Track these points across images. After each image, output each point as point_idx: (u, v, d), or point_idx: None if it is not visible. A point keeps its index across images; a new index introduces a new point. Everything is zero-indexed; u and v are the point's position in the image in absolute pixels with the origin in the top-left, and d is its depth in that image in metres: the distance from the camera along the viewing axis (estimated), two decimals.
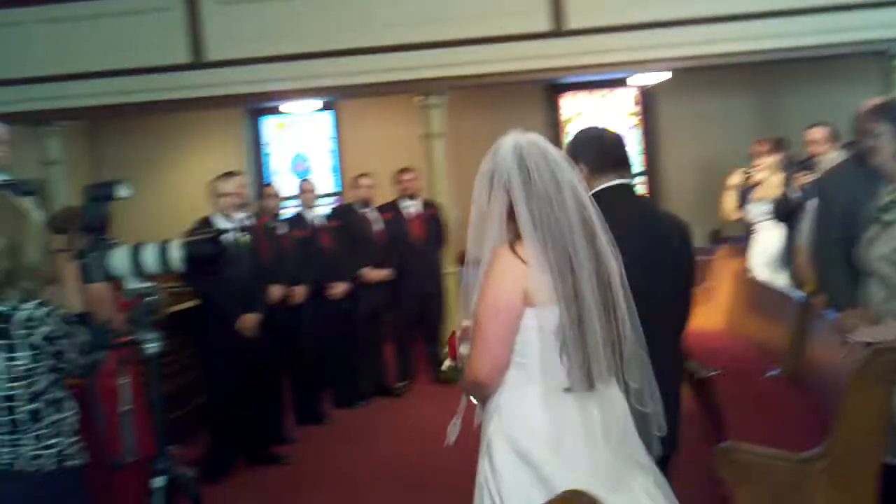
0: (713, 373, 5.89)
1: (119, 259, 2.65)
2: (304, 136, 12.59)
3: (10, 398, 2.45)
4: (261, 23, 8.69)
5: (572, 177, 2.44)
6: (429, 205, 8.36)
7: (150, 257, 2.66)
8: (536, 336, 2.37)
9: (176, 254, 2.66)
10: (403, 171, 8.28)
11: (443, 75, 8.50)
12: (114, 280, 2.70)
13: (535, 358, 2.38)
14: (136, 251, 2.66)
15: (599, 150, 3.02)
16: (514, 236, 2.41)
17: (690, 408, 6.83)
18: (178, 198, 11.06)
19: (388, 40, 8.46)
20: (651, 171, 11.87)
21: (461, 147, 10.27)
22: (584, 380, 2.33)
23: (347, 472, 5.93)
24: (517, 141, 2.55)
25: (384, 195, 8.39)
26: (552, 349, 2.35)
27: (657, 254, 2.88)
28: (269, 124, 12.66)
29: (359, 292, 7.66)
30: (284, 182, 11.03)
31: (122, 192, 2.73)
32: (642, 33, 8.10)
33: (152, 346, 2.65)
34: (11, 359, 2.45)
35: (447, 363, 2.86)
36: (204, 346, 6.23)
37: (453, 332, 2.64)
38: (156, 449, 2.64)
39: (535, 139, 2.55)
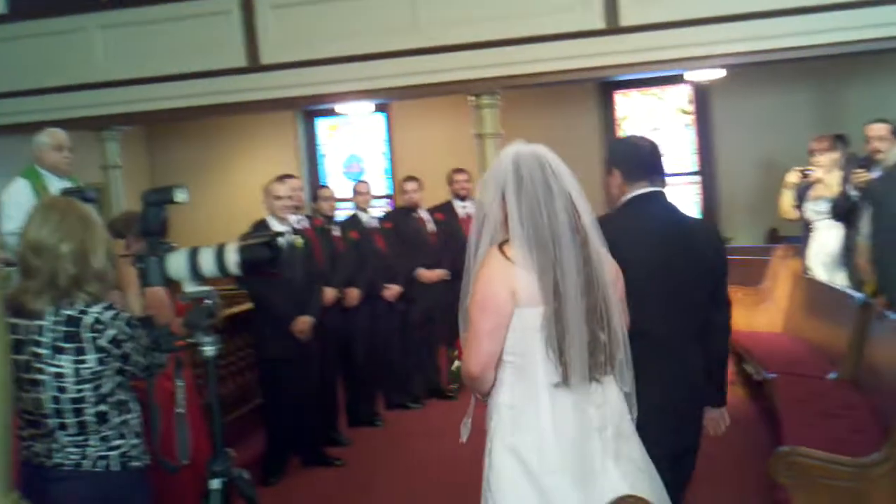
0: (770, 375, 5.80)
1: (177, 263, 2.69)
2: (356, 137, 12.68)
3: (78, 400, 2.50)
4: (314, 26, 8.76)
5: (571, 187, 2.60)
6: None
7: (207, 261, 2.69)
8: (524, 335, 2.52)
9: (232, 257, 2.69)
10: (456, 171, 8.28)
11: (495, 75, 8.47)
12: (172, 283, 2.74)
13: (524, 356, 2.53)
14: (193, 255, 2.70)
15: (633, 160, 3.18)
16: (506, 239, 2.58)
17: (747, 411, 6.79)
18: (234, 200, 11.23)
19: (441, 41, 8.46)
20: (705, 170, 11.72)
21: None
22: (568, 375, 2.47)
23: (400, 474, 5.96)
24: (518, 151, 2.69)
25: (438, 196, 8.41)
26: (539, 347, 2.50)
27: (680, 257, 3.03)
28: (322, 126, 12.77)
29: (413, 294, 7.68)
30: (338, 184, 11.09)
31: (180, 196, 2.77)
32: (697, 29, 7.98)
33: (209, 349, 2.68)
34: (80, 361, 2.50)
35: (456, 363, 3.04)
36: (259, 349, 6.29)
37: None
38: (212, 451, 2.67)
39: (536, 150, 2.69)
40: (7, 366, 2.18)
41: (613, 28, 8.22)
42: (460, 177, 8.23)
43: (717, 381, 3.36)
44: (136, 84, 9.10)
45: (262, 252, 2.72)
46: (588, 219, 2.61)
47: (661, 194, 3.18)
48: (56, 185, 5.57)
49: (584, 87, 11.35)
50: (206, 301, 2.69)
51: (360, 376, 7.19)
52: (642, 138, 3.34)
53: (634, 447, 2.64)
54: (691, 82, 10.97)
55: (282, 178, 6.33)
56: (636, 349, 2.67)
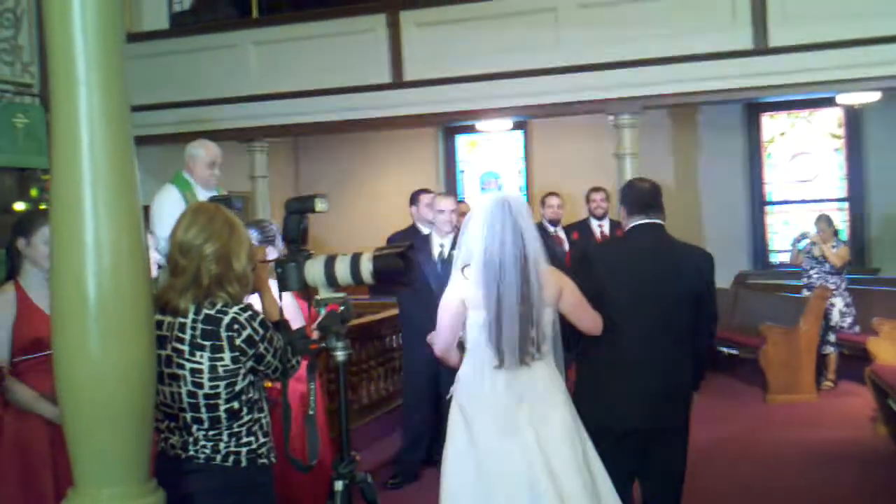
0: None
1: (314, 269, 2.76)
2: (494, 154, 12.75)
3: (212, 396, 2.60)
4: (457, 44, 8.88)
5: (524, 224, 3.46)
6: (618, 225, 8.25)
7: (342, 269, 2.76)
8: (474, 330, 3.48)
9: (366, 266, 2.75)
10: (594, 190, 8.21)
11: (637, 95, 8.38)
12: (308, 289, 2.83)
13: (475, 345, 3.50)
14: (329, 262, 2.77)
15: (633, 198, 3.99)
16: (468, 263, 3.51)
17: (888, 448, 6.47)
18: (373, 211, 11.48)
19: (582, 59, 8.44)
20: (854, 196, 11.24)
21: (652, 167, 10.10)
22: (500, 362, 3.41)
23: None
24: (490, 198, 3.54)
25: (572, 215, 8.37)
26: (483, 339, 3.45)
27: (667, 274, 3.80)
28: (462, 142, 12.91)
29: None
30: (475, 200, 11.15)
31: (320, 205, 2.84)
32: (850, 51, 7.67)
33: (341, 354, 2.74)
34: (217, 358, 2.59)
35: None
36: (404, 356, 6.43)
37: None
38: (338, 453, 2.73)
39: (506, 196, 3.53)
40: (154, 361, 2.30)
41: (762, 48, 8.00)
42: (597, 195, 8.15)
43: (696, 379, 4.05)
44: (285, 98, 9.43)
45: (395, 262, 2.76)
46: (532, 247, 3.45)
47: (656, 225, 3.95)
48: (202, 195, 5.75)
49: (729, 107, 11.08)
50: (340, 307, 2.75)
51: None
52: (642, 180, 4.17)
53: (558, 417, 3.46)
54: (842, 105, 10.54)
55: (445, 193, 6.35)
56: (619, 345, 3.70)
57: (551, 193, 8.07)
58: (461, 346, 3.63)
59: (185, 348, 2.60)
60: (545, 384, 3.50)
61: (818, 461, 6.30)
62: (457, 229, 5.72)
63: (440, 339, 3.61)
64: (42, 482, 3.49)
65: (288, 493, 4.30)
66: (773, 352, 8.34)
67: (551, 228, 7.86)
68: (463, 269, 3.52)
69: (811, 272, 8.84)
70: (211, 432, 2.63)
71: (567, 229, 8.08)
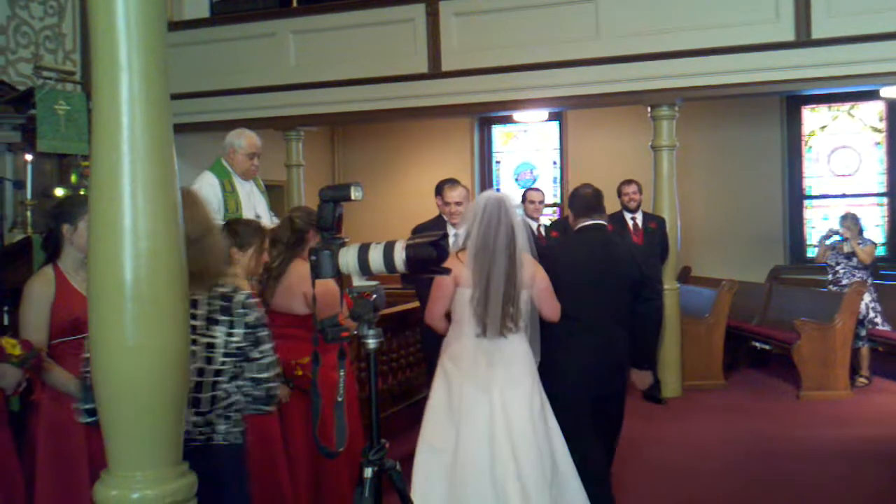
0: None
1: (347, 257, 2.78)
2: (529, 145, 12.72)
3: (219, 372, 2.68)
4: (495, 34, 8.86)
5: (514, 221, 4.12)
6: (651, 217, 8.21)
7: (375, 257, 2.77)
8: (462, 304, 4.16)
9: (399, 255, 2.76)
10: (625, 183, 8.19)
11: (675, 86, 8.30)
12: (342, 277, 2.84)
13: (461, 317, 4.19)
14: (363, 251, 2.78)
15: (578, 203, 4.80)
16: (464, 248, 4.19)
17: None
18: (409, 200, 11.50)
19: (621, 50, 8.38)
20: (893, 191, 11.09)
21: (689, 160, 10.02)
22: (484, 331, 4.11)
23: None
24: (488, 196, 4.21)
25: (609, 206, 8.32)
26: (468, 312, 4.14)
27: (609, 269, 4.57)
28: (498, 133, 12.88)
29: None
30: (511, 190, 11.15)
31: (355, 194, 2.85)
32: (893, 43, 7.55)
33: (372, 342, 2.75)
34: (231, 334, 2.68)
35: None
36: (425, 346, 6.41)
37: None
38: (368, 441, 2.75)
39: (501, 196, 4.22)
40: (188, 346, 2.33)
41: (805, 41, 7.89)
42: (629, 188, 8.12)
43: (642, 351, 4.81)
44: (323, 87, 9.47)
45: (427, 251, 2.77)
46: (521, 240, 4.12)
47: (600, 225, 4.72)
48: (241, 183, 5.80)
49: (768, 100, 10.97)
50: (373, 295, 2.76)
51: None
52: (586, 186, 4.89)
53: (523, 383, 4.14)
54: (885, 99, 10.38)
55: (451, 182, 6.09)
56: (573, 329, 4.40)
57: (586, 185, 7.98)
58: (448, 317, 4.31)
59: (200, 323, 2.67)
60: (517, 354, 4.19)
61: (852, 459, 6.25)
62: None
63: (432, 310, 4.30)
64: (78, 464, 3.55)
65: (326, 478, 4.35)
66: (807, 348, 8.26)
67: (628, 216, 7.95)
68: (458, 252, 4.13)
69: (837, 268, 8.85)
70: (207, 412, 2.72)
71: None
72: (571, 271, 4.50)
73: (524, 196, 7.99)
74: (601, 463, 4.58)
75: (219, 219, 5.38)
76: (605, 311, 4.54)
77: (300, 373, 4.33)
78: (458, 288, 4.18)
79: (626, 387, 4.75)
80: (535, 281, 4.23)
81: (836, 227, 9.03)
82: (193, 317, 2.65)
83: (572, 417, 4.30)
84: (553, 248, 4.84)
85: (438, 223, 6.16)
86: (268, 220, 5.78)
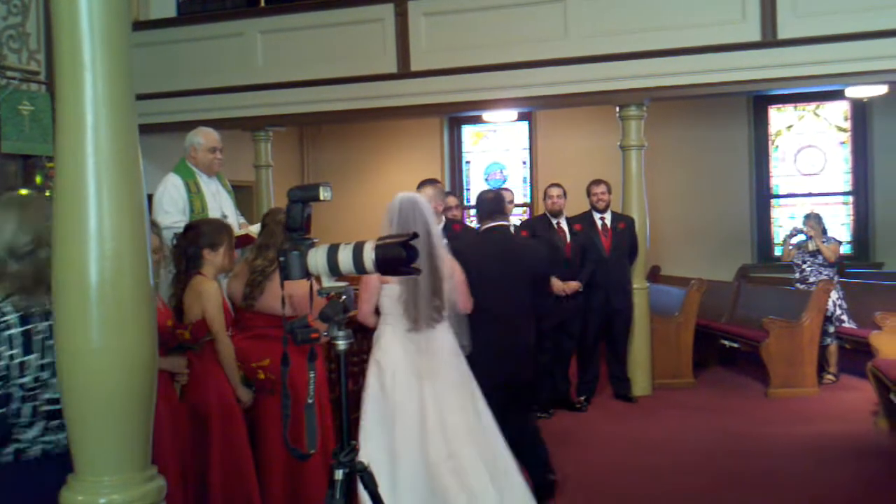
0: None
1: (317, 258, 2.76)
2: (499, 145, 12.74)
3: (33, 388, 2.63)
4: (464, 34, 8.86)
5: (430, 218, 4.44)
6: (620, 217, 8.25)
7: (345, 258, 2.75)
8: (389, 301, 4.45)
9: (369, 255, 2.75)
10: (594, 183, 8.22)
11: (644, 86, 8.35)
12: (311, 278, 2.82)
13: (389, 311, 4.49)
14: (333, 251, 2.76)
15: (482, 206, 5.30)
16: None
17: (889, 442, 6.49)
18: (379, 201, 11.39)
19: (589, 51, 8.41)
20: (859, 190, 11.24)
21: (658, 159, 10.09)
22: (413, 325, 4.43)
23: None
24: (402, 197, 4.49)
25: (578, 206, 8.36)
26: (397, 308, 4.45)
27: (510, 265, 5.01)
28: (468, 133, 12.90)
29: (546, 304, 7.64)
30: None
31: (324, 194, 2.83)
32: (858, 44, 7.64)
33: (342, 343, 2.74)
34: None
35: None
36: None
37: None
38: (338, 442, 2.74)
39: (414, 196, 4.55)
40: (156, 348, 2.30)
41: (771, 41, 7.97)
42: (597, 189, 8.16)
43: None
44: (291, 87, 9.42)
45: (397, 251, 2.76)
46: (436, 236, 4.46)
47: (503, 226, 5.23)
48: (206, 181, 5.79)
49: (736, 100, 11.07)
50: (342, 296, 2.75)
51: None
52: (489, 191, 5.53)
53: (453, 369, 4.48)
54: (850, 98, 10.51)
55: (425, 182, 6.32)
56: (484, 320, 4.73)
57: (554, 184, 8.06)
58: (377, 312, 4.57)
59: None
60: (444, 343, 4.52)
61: (819, 455, 6.31)
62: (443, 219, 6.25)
63: (363, 310, 4.55)
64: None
65: (302, 480, 4.33)
66: (775, 345, 8.34)
67: (554, 220, 7.86)
68: None
69: (804, 266, 8.96)
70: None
71: (570, 220, 8.08)
72: (478, 268, 4.83)
73: (545, 192, 8.02)
74: (527, 434, 5.10)
75: (185, 220, 5.35)
76: (509, 303, 4.98)
77: (262, 375, 4.33)
78: (383, 285, 4.47)
79: (535, 370, 5.39)
80: (454, 273, 4.57)
81: (800, 226, 9.14)
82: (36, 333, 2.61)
83: (491, 400, 4.59)
84: (462, 248, 4.93)
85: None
86: (234, 220, 5.76)
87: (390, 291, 4.46)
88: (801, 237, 9.00)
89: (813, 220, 9.00)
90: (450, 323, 4.56)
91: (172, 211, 5.56)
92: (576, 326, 7.87)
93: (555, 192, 7.94)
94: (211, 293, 4.20)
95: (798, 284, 9.02)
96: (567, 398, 7.92)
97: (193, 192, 5.66)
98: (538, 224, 8.05)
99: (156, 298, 2.35)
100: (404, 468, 4.26)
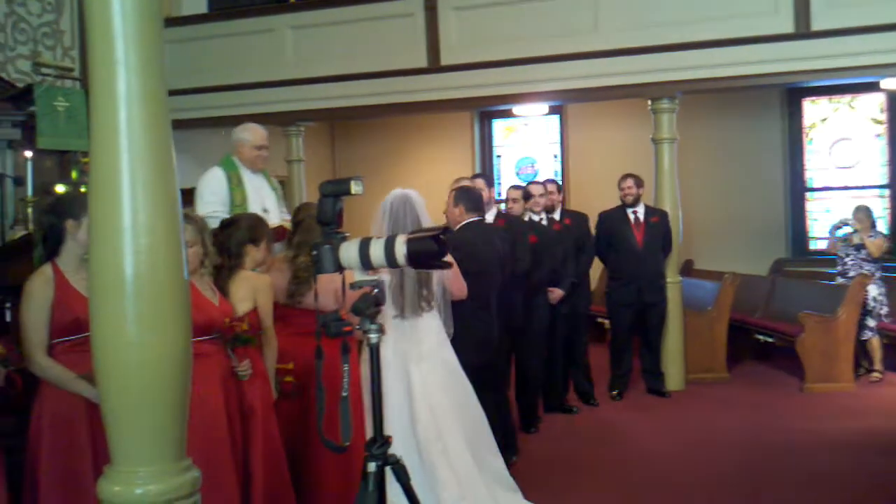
0: None
1: (349, 252, 2.77)
2: (530, 139, 12.70)
3: None
4: (494, 27, 8.84)
5: (421, 213, 4.73)
6: (653, 212, 8.20)
7: (377, 251, 2.76)
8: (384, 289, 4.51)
9: (400, 249, 2.75)
10: (623, 177, 8.18)
11: (676, 79, 8.28)
12: (343, 271, 2.83)
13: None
14: (365, 245, 2.77)
15: (470, 200, 5.58)
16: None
17: None
18: None
19: (621, 43, 8.36)
20: (894, 182, 11.07)
21: (690, 153, 10.01)
22: (399, 312, 4.71)
23: (562, 474, 5.95)
24: (395, 193, 4.83)
25: (610, 201, 8.33)
26: (389, 297, 4.49)
27: (489, 253, 5.40)
28: (499, 127, 12.86)
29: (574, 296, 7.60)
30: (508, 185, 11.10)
31: (355, 188, 2.84)
32: (893, 35, 7.52)
33: (374, 336, 2.75)
34: None
35: None
36: None
37: None
38: (371, 435, 2.75)
39: (407, 192, 4.85)
40: (190, 341, 2.32)
41: (804, 32, 7.87)
42: (625, 183, 8.12)
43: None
44: (322, 82, 9.44)
45: (428, 245, 2.76)
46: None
47: (482, 220, 5.66)
48: (249, 176, 5.86)
49: (769, 93, 10.95)
50: (374, 290, 2.76)
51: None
52: (474, 187, 5.97)
53: (441, 354, 4.76)
54: (885, 90, 10.35)
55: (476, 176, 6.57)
56: (469, 306, 5.04)
57: (513, 187, 7.65)
58: None
59: None
60: (432, 329, 4.79)
61: (856, 450, 6.24)
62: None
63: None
64: (81, 460, 3.54)
65: (322, 472, 4.34)
66: (810, 340, 8.26)
67: (536, 217, 7.38)
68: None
69: (846, 259, 8.77)
70: None
71: (602, 216, 8.16)
72: (473, 256, 5.16)
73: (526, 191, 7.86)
74: (504, 411, 5.82)
75: (224, 210, 5.43)
76: (493, 290, 5.39)
77: (289, 379, 4.34)
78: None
79: (511, 350, 6.05)
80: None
81: (848, 217, 8.95)
82: None
83: (474, 380, 4.94)
84: (455, 238, 5.16)
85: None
86: (276, 215, 5.83)
87: (384, 279, 4.55)
88: (847, 229, 8.84)
89: (862, 212, 8.80)
90: (439, 312, 4.85)
91: (213, 201, 5.64)
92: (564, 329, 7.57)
93: (513, 194, 7.44)
94: (267, 288, 4.24)
95: (839, 278, 8.84)
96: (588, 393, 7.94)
97: (235, 185, 5.74)
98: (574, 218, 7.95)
99: (189, 291, 2.35)
100: (395, 445, 4.34)
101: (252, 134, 5.88)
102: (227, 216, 4.99)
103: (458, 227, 5.53)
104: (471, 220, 5.52)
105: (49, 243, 3.73)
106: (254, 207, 5.66)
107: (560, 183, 8.31)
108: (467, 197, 5.60)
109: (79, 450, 3.54)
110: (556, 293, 7.18)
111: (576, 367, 7.87)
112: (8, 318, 4.68)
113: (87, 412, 3.53)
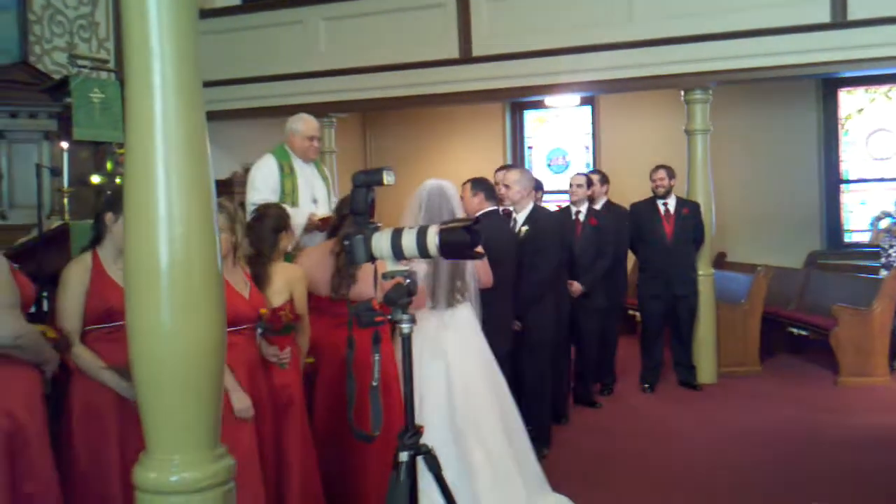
0: None
1: (381, 242, 2.78)
2: (561, 130, 12.64)
3: None
4: (527, 18, 8.80)
5: (455, 205, 4.81)
6: (684, 203, 8.14)
7: (409, 242, 2.77)
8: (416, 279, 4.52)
9: (433, 239, 2.76)
10: (654, 168, 8.14)
11: (709, 70, 8.21)
12: (376, 261, 2.84)
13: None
14: (397, 235, 2.78)
15: (490, 190, 5.78)
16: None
17: None
18: None
19: (654, 34, 8.29)
20: None
21: (724, 144, 9.92)
22: (433, 303, 4.74)
23: (591, 466, 5.94)
24: (430, 184, 4.87)
25: (642, 192, 8.29)
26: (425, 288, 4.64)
27: (506, 243, 5.50)
28: (530, 118, 12.82)
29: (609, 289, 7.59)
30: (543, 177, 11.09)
31: (387, 179, 2.86)
32: None
33: (406, 327, 2.76)
34: None
35: None
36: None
37: None
38: (403, 424, 2.76)
39: (441, 183, 4.88)
40: (224, 329, 2.34)
41: (840, 22, 7.76)
42: (657, 174, 8.08)
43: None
44: (354, 73, 9.46)
45: (461, 236, 2.76)
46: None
47: (496, 210, 5.80)
48: (300, 165, 5.92)
49: (804, 83, 10.81)
50: (406, 280, 2.76)
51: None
52: (487, 179, 6.01)
53: (475, 344, 4.82)
54: None
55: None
56: (491, 296, 5.10)
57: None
58: None
59: None
60: (466, 321, 4.83)
61: (890, 446, 6.17)
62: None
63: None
64: (108, 449, 3.58)
65: (360, 461, 4.35)
66: (844, 333, 8.17)
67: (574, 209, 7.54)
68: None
69: (890, 251, 8.63)
70: None
71: (633, 207, 8.14)
72: (495, 245, 5.09)
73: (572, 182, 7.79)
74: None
75: (274, 199, 5.49)
76: (512, 277, 5.51)
77: (310, 360, 4.39)
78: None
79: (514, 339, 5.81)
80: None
81: (888, 209, 8.82)
82: None
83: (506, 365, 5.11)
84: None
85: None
86: (325, 206, 5.89)
87: (419, 271, 4.47)
88: (890, 220, 8.71)
89: None
90: (473, 303, 4.91)
91: (263, 189, 5.73)
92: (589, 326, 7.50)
93: (577, 180, 7.57)
94: (303, 278, 4.29)
95: (883, 271, 8.70)
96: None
97: (286, 174, 5.81)
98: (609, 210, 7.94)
99: (223, 281, 2.38)
100: (432, 435, 4.31)
101: (304, 124, 5.95)
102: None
103: (476, 215, 5.49)
104: (489, 209, 5.63)
105: (95, 232, 3.80)
106: (304, 197, 5.80)
107: (603, 174, 8.19)
108: (485, 186, 5.73)
109: (107, 440, 3.58)
110: (576, 286, 7.13)
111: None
112: (45, 307, 4.75)
113: (116, 402, 3.58)
